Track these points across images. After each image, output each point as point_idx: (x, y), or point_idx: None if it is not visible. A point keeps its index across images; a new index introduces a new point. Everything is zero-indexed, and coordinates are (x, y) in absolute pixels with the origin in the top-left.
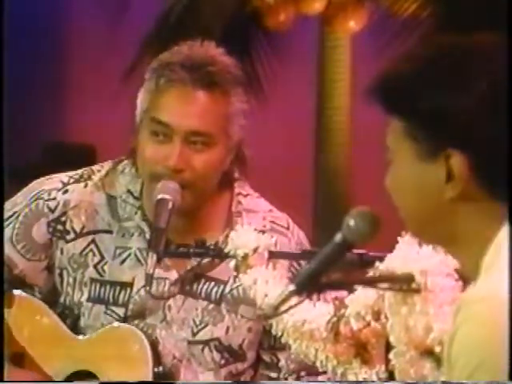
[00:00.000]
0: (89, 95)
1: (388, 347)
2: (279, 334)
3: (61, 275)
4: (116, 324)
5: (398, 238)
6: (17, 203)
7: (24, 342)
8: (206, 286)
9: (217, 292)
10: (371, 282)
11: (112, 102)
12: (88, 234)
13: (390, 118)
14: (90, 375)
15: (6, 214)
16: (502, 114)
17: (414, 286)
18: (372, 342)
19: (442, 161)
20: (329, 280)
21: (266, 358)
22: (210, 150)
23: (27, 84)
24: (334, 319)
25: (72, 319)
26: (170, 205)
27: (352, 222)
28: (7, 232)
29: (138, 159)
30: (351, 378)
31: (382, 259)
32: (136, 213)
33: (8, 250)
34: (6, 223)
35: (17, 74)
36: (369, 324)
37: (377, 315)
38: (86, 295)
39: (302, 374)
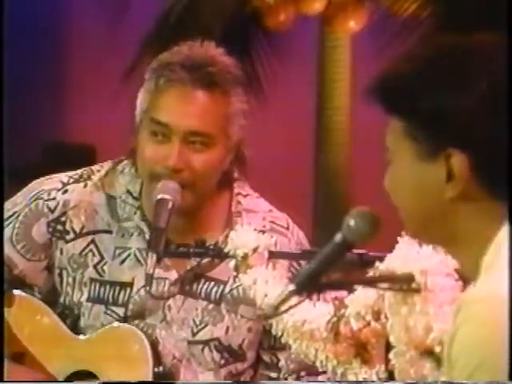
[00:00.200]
0: (89, 95)
1: (388, 347)
2: (279, 333)
3: (60, 275)
4: (116, 324)
5: (398, 238)
6: (17, 203)
7: (24, 342)
8: (205, 286)
9: (216, 292)
10: (371, 282)
11: (112, 102)
12: (88, 234)
13: (390, 118)
14: (90, 375)
15: (6, 214)
16: (502, 114)
17: (414, 285)
18: (372, 342)
19: (443, 160)
20: (329, 280)
21: (266, 358)
22: (210, 150)
23: (27, 84)
24: (334, 319)
25: (72, 319)
26: (170, 205)
27: (352, 222)
28: (7, 232)
29: (137, 159)
30: (351, 377)
31: (382, 259)
32: (135, 213)
33: (8, 250)
34: (5, 223)
35: (17, 74)
36: (369, 324)
37: (377, 315)
38: (85, 295)
39: (302, 373)
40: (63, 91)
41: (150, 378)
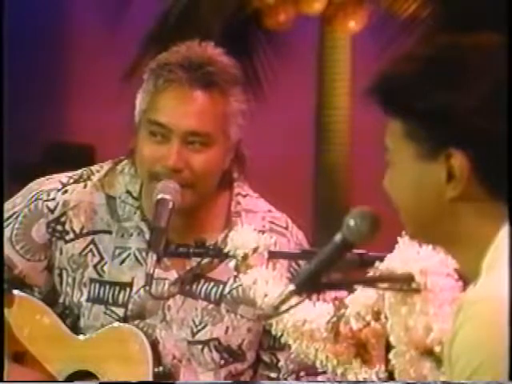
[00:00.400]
0: (89, 95)
1: (388, 347)
2: (279, 333)
3: (60, 275)
4: (116, 324)
5: (398, 238)
6: (16, 204)
7: (24, 342)
8: (205, 287)
9: (216, 292)
10: (371, 282)
11: (112, 102)
12: (87, 234)
13: (389, 119)
14: (89, 375)
15: (6, 215)
16: (502, 114)
17: (413, 285)
18: (372, 342)
19: (443, 161)
20: (329, 280)
21: (266, 358)
22: (209, 149)
23: (27, 84)
24: (334, 319)
25: (72, 319)
26: (171, 205)
27: (352, 222)
28: (6, 232)
29: (136, 159)
30: (351, 377)
31: (381, 259)
32: (135, 213)
33: (7, 250)
34: (5, 223)
35: (17, 74)
36: (369, 324)
37: (377, 315)
38: (85, 295)
39: (302, 374)
40: (63, 91)
41: (149, 378)
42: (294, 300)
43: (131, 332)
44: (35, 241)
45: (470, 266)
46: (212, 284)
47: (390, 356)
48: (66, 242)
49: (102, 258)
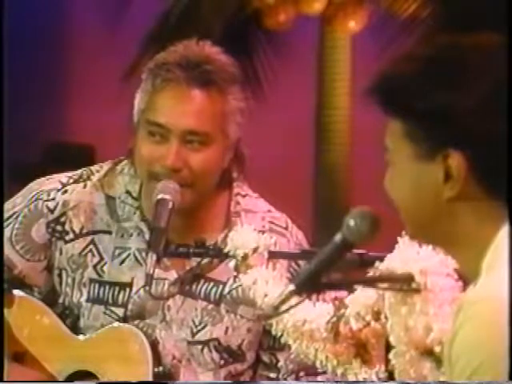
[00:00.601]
0: (89, 95)
1: (388, 347)
2: (279, 333)
3: (60, 276)
4: (116, 324)
5: (398, 238)
6: (16, 204)
7: (24, 342)
8: (205, 287)
9: (216, 292)
10: (371, 282)
11: (112, 102)
12: (87, 234)
13: (389, 119)
14: (89, 375)
15: (6, 215)
16: (502, 114)
17: (413, 285)
18: (372, 342)
19: (440, 161)
20: (329, 280)
21: (265, 358)
22: (207, 148)
23: (27, 84)
24: (334, 319)
25: (72, 319)
26: (170, 205)
27: (352, 222)
28: (6, 232)
29: (135, 159)
30: (351, 378)
31: (381, 259)
32: (135, 213)
33: (7, 250)
34: (5, 223)
35: (17, 74)
36: (369, 324)
37: (377, 315)
38: (85, 296)
39: (301, 374)
40: (63, 91)
41: (149, 378)
42: (294, 300)
43: (131, 332)
44: (35, 241)
45: (470, 266)
46: (212, 284)
47: (390, 356)
48: (66, 242)
49: (101, 258)
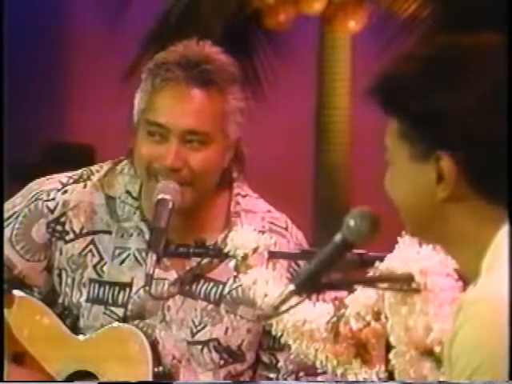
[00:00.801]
0: (89, 95)
1: (388, 347)
2: (279, 334)
3: (59, 276)
4: (116, 324)
5: (398, 238)
6: (16, 204)
7: (24, 342)
8: (205, 287)
9: (216, 293)
10: (371, 282)
11: (112, 102)
12: (87, 234)
13: (389, 119)
14: (89, 375)
15: (6, 215)
16: (500, 115)
17: (413, 285)
18: (372, 342)
19: (433, 162)
20: (329, 280)
21: (265, 358)
22: (207, 148)
23: (27, 84)
24: (334, 319)
25: (71, 320)
26: (170, 205)
27: (352, 222)
28: (6, 232)
29: (134, 158)
30: (351, 378)
31: (381, 259)
32: (135, 213)
33: (7, 250)
34: (5, 224)
35: (17, 74)
36: (369, 324)
37: (377, 315)
38: (84, 296)
39: (301, 374)
40: (63, 91)
41: (149, 378)
42: (294, 300)
43: (131, 332)
44: (35, 241)
45: (470, 266)
46: (212, 284)
47: (390, 356)
48: (66, 242)
49: (101, 259)
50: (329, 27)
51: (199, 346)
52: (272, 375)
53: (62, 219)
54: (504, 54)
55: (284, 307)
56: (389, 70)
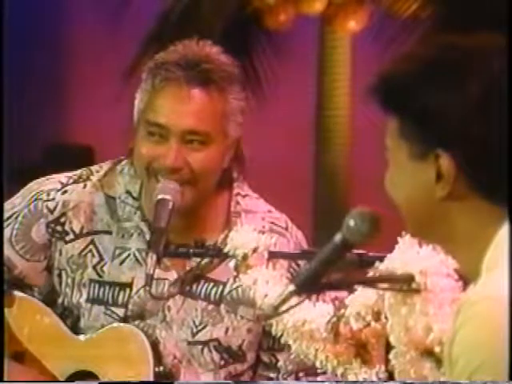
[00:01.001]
0: (89, 96)
1: (388, 347)
2: (279, 334)
3: (59, 276)
4: (116, 324)
5: (398, 239)
6: (15, 204)
7: (24, 342)
8: (205, 287)
9: (216, 293)
10: (371, 282)
11: (113, 102)
12: (87, 234)
13: (389, 118)
14: (90, 375)
15: (5, 215)
16: (500, 116)
17: (413, 286)
18: (372, 343)
19: (432, 161)
20: (329, 280)
21: (265, 358)
22: (207, 148)
23: (27, 84)
24: (334, 319)
25: (72, 320)
26: (171, 205)
27: (352, 223)
28: (6, 233)
29: (134, 158)
30: (351, 378)
31: (381, 259)
32: (135, 213)
33: (7, 250)
34: (4, 224)
35: (17, 75)
36: (369, 324)
37: (377, 315)
38: (84, 296)
39: (301, 374)
40: (63, 92)
41: (150, 378)
42: (294, 300)
43: (132, 332)
44: (35, 241)
45: (470, 265)
46: (212, 284)
47: (390, 356)
48: (66, 242)
49: (101, 259)
50: (329, 27)
51: (200, 346)
52: (272, 375)
53: (62, 219)
54: (504, 54)
55: (284, 307)
56: (389, 69)
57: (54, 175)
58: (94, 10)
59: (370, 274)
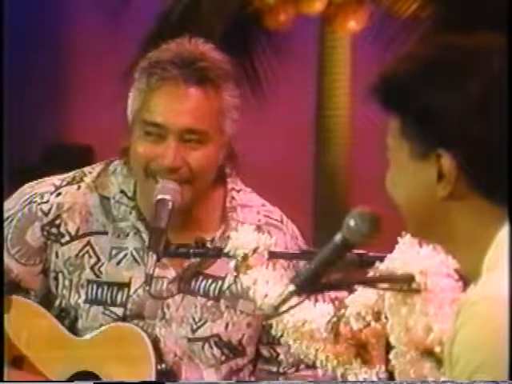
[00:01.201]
0: (89, 96)
1: (388, 347)
2: (279, 334)
3: (56, 278)
4: (116, 323)
5: (398, 239)
6: (9, 208)
7: (23, 346)
8: (203, 283)
9: (215, 288)
10: (371, 283)
11: (113, 102)
12: (83, 236)
13: (389, 118)
14: (91, 375)
15: None
16: (500, 116)
17: (414, 286)
18: (372, 343)
19: (433, 160)
20: (329, 280)
21: (265, 352)
22: (205, 146)
23: (27, 84)
24: (334, 319)
25: (69, 321)
26: (170, 205)
27: (352, 223)
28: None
29: (130, 158)
30: (351, 378)
31: (382, 259)
32: (131, 213)
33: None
34: None
35: (17, 75)
36: (369, 324)
37: (377, 315)
38: (83, 297)
39: (301, 367)
40: (63, 92)
41: (152, 377)
42: (294, 300)
43: (132, 331)
44: (30, 244)
45: (471, 266)
46: (210, 280)
47: (390, 356)
48: (62, 244)
49: (98, 259)
50: (329, 27)
51: (200, 343)
52: (272, 368)
53: (57, 222)
54: (504, 54)
55: (284, 307)
56: (389, 69)
57: (46, 178)
58: (94, 10)
59: (370, 274)
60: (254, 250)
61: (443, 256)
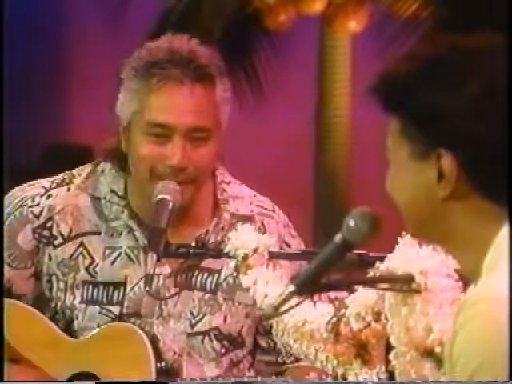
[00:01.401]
0: (89, 96)
1: (388, 348)
2: (279, 334)
3: (49, 281)
4: (113, 323)
5: (398, 239)
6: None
7: (21, 350)
8: (200, 277)
9: (212, 281)
10: (371, 283)
11: (113, 102)
12: (76, 237)
13: (389, 118)
14: (91, 376)
15: None
16: (500, 116)
17: (414, 286)
18: (372, 343)
19: (434, 160)
20: (329, 280)
21: (263, 343)
22: (208, 142)
23: (27, 84)
24: (334, 319)
25: (64, 322)
26: (171, 205)
27: (352, 223)
28: None
29: (131, 160)
30: (351, 378)
31: (382, 259)
32: (123, 212)
33: None
34: None
35: (17, 75)
36: (369, 324)
37: (377, 316)
38: (78, 298)
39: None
40: (63, 92)
41: (152, 375)
42: (294, 300)
43: (129, 330)
44: (22, 248)
45: (471, 266)
46: (206, 274)
47: (391, 356)
48: (55, 246)
49: (93, 260)
50: (329, 27)
51: (200, 337)
52: (270, 358)
53: (49, 224)
54: (504, 54)
55: (284, 307)
56: (389, 69)
57: (35, 181)
58: (94, 10)
59: (371, 274)
60: (254, 251)
61: (443, 256)
